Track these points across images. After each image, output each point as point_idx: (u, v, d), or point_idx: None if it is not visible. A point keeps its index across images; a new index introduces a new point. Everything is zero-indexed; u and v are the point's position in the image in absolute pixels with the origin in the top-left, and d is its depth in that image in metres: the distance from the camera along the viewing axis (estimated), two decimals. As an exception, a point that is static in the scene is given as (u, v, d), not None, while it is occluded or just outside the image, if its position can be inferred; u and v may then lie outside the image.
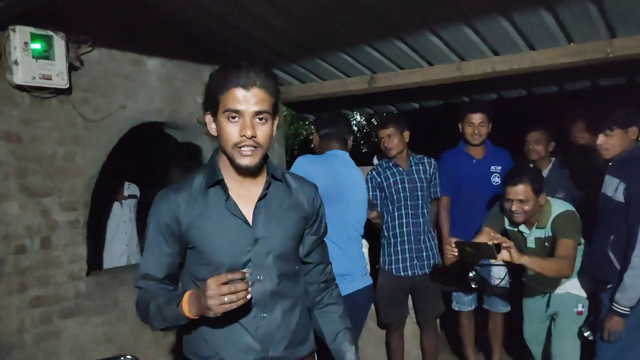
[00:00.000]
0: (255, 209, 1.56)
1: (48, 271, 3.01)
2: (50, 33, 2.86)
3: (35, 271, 2.95)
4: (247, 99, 1.45)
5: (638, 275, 2.50)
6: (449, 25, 3.22)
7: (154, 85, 3.56)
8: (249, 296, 1.38)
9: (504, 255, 2.55)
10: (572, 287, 2.95)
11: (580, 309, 2.93)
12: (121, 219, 4.22)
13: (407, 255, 3.42)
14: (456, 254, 2.66)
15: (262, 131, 1.49)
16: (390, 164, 3.54)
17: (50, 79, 2.88)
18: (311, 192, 1.70)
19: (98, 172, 3.27)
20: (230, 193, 1.55)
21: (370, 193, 3.46)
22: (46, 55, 2.84)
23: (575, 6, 2.84)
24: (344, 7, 3.10)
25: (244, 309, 1.48)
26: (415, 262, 3.43)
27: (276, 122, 1.56)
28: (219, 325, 1.54)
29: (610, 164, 2.75)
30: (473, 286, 3.29)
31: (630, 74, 4.15)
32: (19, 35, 2.75)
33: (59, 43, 2.90)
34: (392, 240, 3.46)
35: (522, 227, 2.92)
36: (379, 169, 3.56)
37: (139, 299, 1.61)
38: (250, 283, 1.38)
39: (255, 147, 1.47)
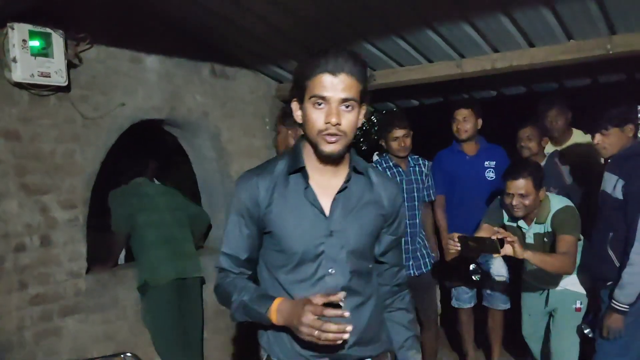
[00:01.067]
0: (333, 200, 1.54)
1: (47, 269, 3.01)
2: (48, 30, 2.85)
3: (34, 269, 2.95)
4: (334, 85, 1.43)
5: (636, 272, 2.50)
6: (449, 22, 3.21)
7: (153, 83, 3.55)
8: (345, 336, 1.38)
9: (507, 250, 2.55)
10: (571, 283, 2.96)
11: (578, 305, 2.93)
12: None
13: (405, 256, 3.43)
14: (459, 248, 2.66)
15: (348, 119, 1.46)
16: (391, 164, 3.55)
17: (49, 77, 2.87)
18: (393, 189, 1.66)
19: (97, 170, 3.26)
20: (310, 182, 1.54)
21: None
22: (45, 52, 2.83)
23: (574, 3, 2.83)
24: (343, 4, 3.09)
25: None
26: (411, 262, 3.45)
27: (363, 111, 1.53)
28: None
29: (610, 161, 2.76)
30: (474, 279, 3.30)
31: (630, 70, 4.15)
32: (18, 33, 2.74)
33: (57, 40, 2.89)
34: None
35: (521, 223, 2.92)
36: (379, 168, 3.56)
37: (219, 282, 1.63)
38: (345, 313, 1.39)
39: (339, 135, 1.45)
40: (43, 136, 2.97)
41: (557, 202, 2.86)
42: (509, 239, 2.56)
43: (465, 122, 3.66)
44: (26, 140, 2.90)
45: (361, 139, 11.32)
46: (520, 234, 2.92)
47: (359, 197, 1.58)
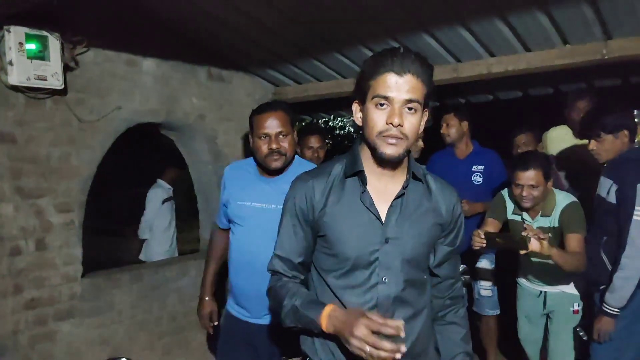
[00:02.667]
0: (390, 206, 1.49)
1: (43, 273, 3.00)
2: (45, 33, 2.85)
3: (30, 273, 2.93)
4: (398, 85, 1.37)
5: (627, 276, 2.51)
6: (445, 26, 3.22)
7: (149, 86, 3.55)
8: (398, 356, 1.27)
9: (534, 246, 2.55)
10: (567, 286, 2.96)
11: (576, 307, 2.94)
12: (172, 216, 4.74)
13: None
14: (484, 245, 2.67)
15: (410, 122, 1.40)
16: None
17: (45, 80, 2.86)
18: (452, 198, 1.61)
19: (93, 173, 3.26)
20: (367, 186, 1.49)
21: None
22: (41, 55, 2.83)
23: (570, 8, 2.85)
24: (340, 8, 3.10)
25: (364, 310, 1.43)
26: None
27: (425, 116, 1.47)
28: None
29: (605, 165, 2.76)
30: (463, 279, 3.34)
31: (625, 75, 4.17)
32: (14, 36, 2.74)
33: (54, 43, 2.89)
34: None
35: (526, 216, 2.93)
36: None
37: (272, 285, 1.59)
38: (401, 348, 1.27)
39: (400, 137, 1.39)
40: (39, 139, 2.97)
41: (563, 197, 2.87)
42: (540, 235, 2.57)
43: (449, 127, 3.74)
44: (22, 143, 2.90)
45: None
46: (522, 228, 2.92)
47: (417, 204, 1.53)
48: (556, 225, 2.84)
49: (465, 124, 3.76)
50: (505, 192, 3.08)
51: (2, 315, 2.82)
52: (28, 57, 2.78)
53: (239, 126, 4.22)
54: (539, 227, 2.86)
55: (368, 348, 1.27)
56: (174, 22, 3.57)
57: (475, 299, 3.77)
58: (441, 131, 3.79)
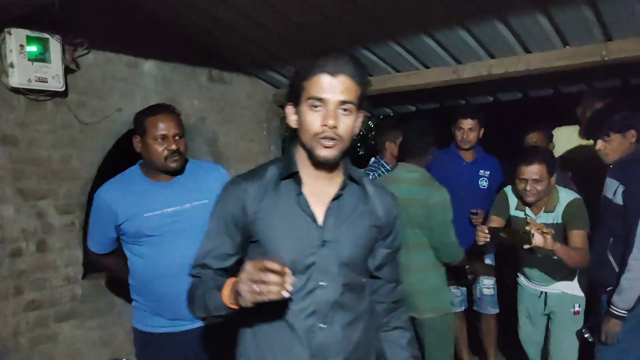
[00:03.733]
0: (327, 209, 1.46)
1: (44, 274, 3.00)
2: (46, 36, 2.86)
3: (31, 274, 2.94)
4: (332, 86, 1.36)
5: (635, 278, 2.50)
6: (445, 28, 3.23)
7: (150, 88, 3.55)
8: (285, 294, 1.20)
9: (538, 240, 2.55)
10: (569, 287, 2.96)
11: (577, 309, 2.93)
12: None
13: None
14: (488, 240, 2.68)
15: (345, 123, 1.38)
16: (388, 167, 3.56)
17: (46, 82, 2.87)
18: (388, 200, 1.58)
19: (94, 175, 3.26)
20: (302, 189, 1.45)
21: None
22: (42, 57, 2.84)
23: (570, 9, 2.85)
24: (340, 10, 3.11)
25: (301, 316, 1.41)
26: None
27: (360, 117, 1.45)
28: (270, 331, 1.45)
29: (611, 166, 2.73)
30: (470, 277, 3.37)
31: (625, 76, 4.17)
32: (15, 38, 2.74)
33: (54, 46, 2.89)
34: None
35: (529, 212, 2.92)
36: (375, 171, 3.56)
37: (190, 287, 1.50)
38: (291, 283, 1.22)
39: (336, 139, 1.37)
40: (40, 141, 2.97)
41: (566, 194, 2.87)
42: (544, 230, 2.56)
43: (471, 131, 3.64)
44: (23, 145, 2.90)
45: (358, 144, 11.33)
46: (525, 224, 2.92)
47: (354, 206, 1.50)
48: (559, 221, 2.83)
49: (482, 131, 3.73)
50: (508, 189, 3.08)
51: (3, 317, 2.82)
52: (29, 59, 2.78)
53: (239, 128, 4.22)
54: (541, 224, 2.86)
55: (255, 286, 1.20)
56: (174, 24, 3.58)
57: (477, 298, 3.77)
58: (461, 136, 3.67)
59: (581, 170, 3.51)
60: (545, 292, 3.02)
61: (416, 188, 2.91)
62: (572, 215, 2.80)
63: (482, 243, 2.70)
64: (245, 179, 1.48)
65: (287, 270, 1.21)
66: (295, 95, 1.43)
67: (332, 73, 1.36)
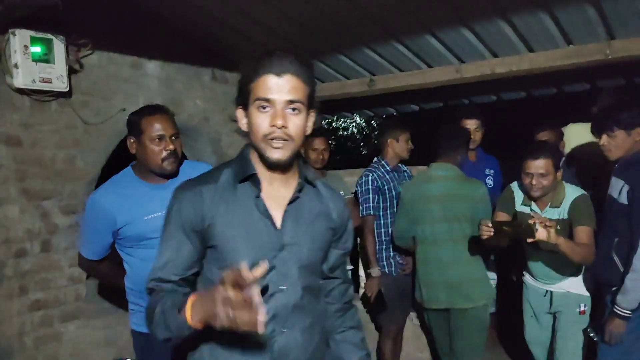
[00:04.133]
0: (285, 212, 1.43)
1: (48, 275, 3.01)
2: (50, 36, 2.87)
3: (35, 275, 2.95)
4: (279, 86, 1.34)
5: (639, 278, 2.50)
6: (448, 27, 3.23)
7: (153, 89, 3.56)
8: (261, 330, 1.14)
9: (541, 234, 2.55)
10: (574, 286, 2.95)
11: (582, 308, 2.92)
12: None
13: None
14: (492, 233, 2.66)
15: (294, 123, 1.36)
16: (388, 168, 3.57)
17: (50, 82, 2.88)
18: (340, 202, 1.59)
19: (98, 175, 3.27)
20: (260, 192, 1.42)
21: (370, 195, 3.46)
22: (46, 58, 2.84)
23: (573, 8, 2.85)
24: (343, 10, 3.11)
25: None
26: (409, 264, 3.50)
27: (312, 117, 1.44)
28: (229, 337, 1.36)
29: (617, 165, 2.72)
30: None
31: (629, 75, 4.17)
32: (19, 39, 2.75)
33: (58, 46, 2.90)
34: (390, 245, 3.50)
35: (534, 207, 2.93)
36: (376, 171, 3.55)
37: (148, 305, 1.42)
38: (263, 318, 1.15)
39: (286, 139, 1.35)
40: (44, 142, 2.98)
41: (572, 190, 2.87)
42: (547, 223, 2.57)
43: (476, 131, 3.64)
44: (27, 145, 2.91)
45: (362, 144, 11.34)
46: (531, 218, 2.92)
47: (311, 209, 1.48)
48: (565, 217, 2.83)
49: (484, 129, 3.73)
50: (514, 185, 3.08)
51: (8, 317, 2.83)
52: (33, 60, 2.79)
53: (242, 128, 4.22)
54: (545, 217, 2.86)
55: (231, 313, 1.14)
56: (177, 25, 3.59)
57: None
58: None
59: (587, 167, 3.48)
60: (551, 292, 3.01)
61: (455, 184, 3.08)
62: (578, 211, 2.79)
63: (485, 237, 2.70)
64: (199, 183, 1.44)
65: (257, 300, 1.13)
66: (243, 98, 1.40)
67: (278, 73, 1.34)
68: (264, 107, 1.35)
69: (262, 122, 1.35)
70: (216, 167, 1.51)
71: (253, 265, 1.30)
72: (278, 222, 1.43)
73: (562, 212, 2.84)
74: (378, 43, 3.56)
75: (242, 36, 3.60)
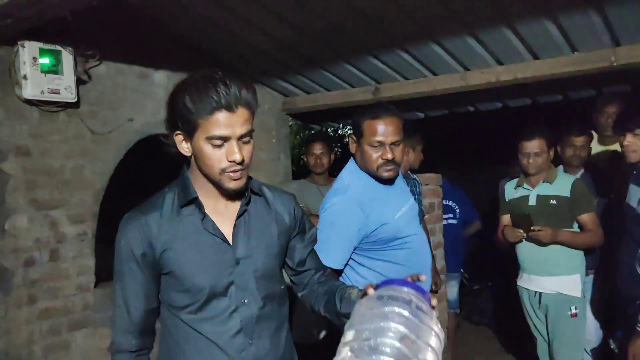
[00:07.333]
0: (234, 226, 1.44)
1: (57, 283, 3.03)
2: (58, 48, 2.90)
3: (44, 283, 2.97)
4: (232, 122, 1.30)
5: None
6: (453, 35, 3.24)
7: (160, 98, 3.58)
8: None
9: (543, 237, 2.87)
10: (565, 286, 2.92)
11: (574, 311, 2.88)
12: None
13: None
14: (524, 236, 3.00)
15: (247, 150, 1.35)
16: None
17: (59, 93, 2.91)
18: (290, 202, 1.58)
19: (106, 185, 3.29)
20: (206, 211, 1.41)
21: None
22: (54, 69, 2.88)
23: (578, 15, 2.86)
24: (348, 19, 3.13)
25: (229, 337, 1.40)
26: None
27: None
28: (200, 353, 1.42)
29: (635, 172, 2.55)
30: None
31: (635, 82, 4.15)
32: (28, 51, 2.79)
33: (67, 57, 2.94)
34: None
35: (526, 186, 3.12)
36: None
37: None
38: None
39: (243, 168, 1.36)
40: (53, 152, 3.01)
41: (562, 171, 3.18)
42: (537, 228, 2.88)
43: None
44: (36, 155, 2.94)
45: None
46: (524, 201, 3.10)
47: (259, 218, 1.49)
48: (562, 194, 2.99)
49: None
50: (502, 183, 3.36)
51: (17, 326, 2.85)
52: (42, 71, 2.83)
53: (249, 136, 4.24)
54: (540, 195, 3.04)
55: None
56: (184, 35, 3.62)
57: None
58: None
59: (603, 175, 3.37)
60: (540, 293, 3.01)
61: None
62: (579, 195, 2.95)
63: (519, 235, 3.00)
64: (142, 213, 1.41)
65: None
66: (187, 128, 1.34)
67: (230, 109, 1.29)
68: (219, 145, 1.32)
69: (219, 158, 1.33)
70: (156, 195, 1.47)
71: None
72: (229, 238, 1.43)
73: (557, 188, 3.01)
74: (383, 51, 3.57)
75: (248, 45, 3.63)
